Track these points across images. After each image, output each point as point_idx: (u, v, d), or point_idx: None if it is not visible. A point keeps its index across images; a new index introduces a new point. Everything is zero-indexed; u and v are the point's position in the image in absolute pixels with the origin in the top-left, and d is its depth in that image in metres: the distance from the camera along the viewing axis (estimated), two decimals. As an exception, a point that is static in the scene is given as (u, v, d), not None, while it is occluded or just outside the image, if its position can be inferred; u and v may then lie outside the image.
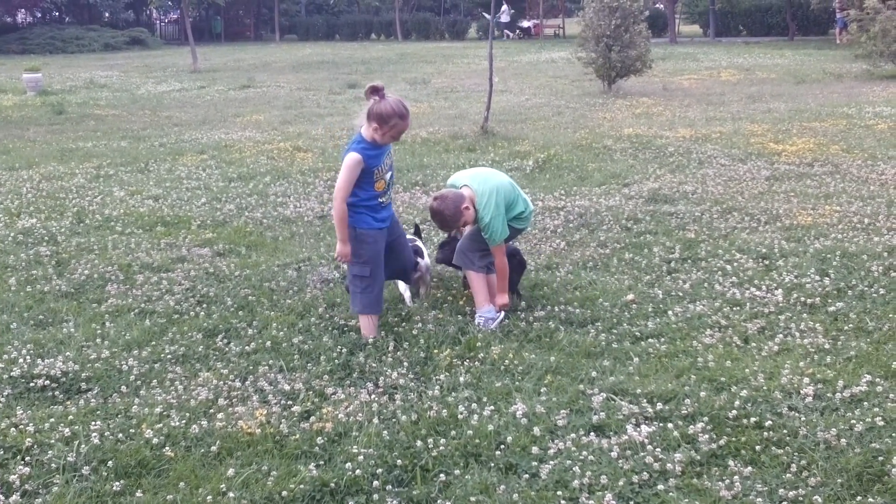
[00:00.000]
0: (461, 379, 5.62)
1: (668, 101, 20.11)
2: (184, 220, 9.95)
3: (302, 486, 4.44)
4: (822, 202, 10.08)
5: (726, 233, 8.92)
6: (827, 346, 6.00)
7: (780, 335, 6.24)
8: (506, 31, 56.35)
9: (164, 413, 5.27)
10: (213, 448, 4.85)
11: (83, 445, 4.84)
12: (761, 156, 13.03)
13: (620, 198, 10.61)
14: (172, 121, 19.47)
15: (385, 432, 4.95)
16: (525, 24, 60.18)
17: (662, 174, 11.99)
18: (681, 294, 7.16)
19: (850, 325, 6.36)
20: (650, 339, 6.24)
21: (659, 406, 5.13)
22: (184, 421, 5.14)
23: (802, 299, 6.89)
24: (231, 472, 4.59)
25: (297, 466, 4.65)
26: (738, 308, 6.80)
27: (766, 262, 7.89)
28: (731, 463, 4.53)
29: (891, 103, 17.96)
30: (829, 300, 6.89)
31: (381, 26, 63.68)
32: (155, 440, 4.92)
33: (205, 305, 7.13)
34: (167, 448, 4.85)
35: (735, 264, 7.80)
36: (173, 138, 16.60)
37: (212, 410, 5.30)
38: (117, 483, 4.50)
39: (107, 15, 68.09)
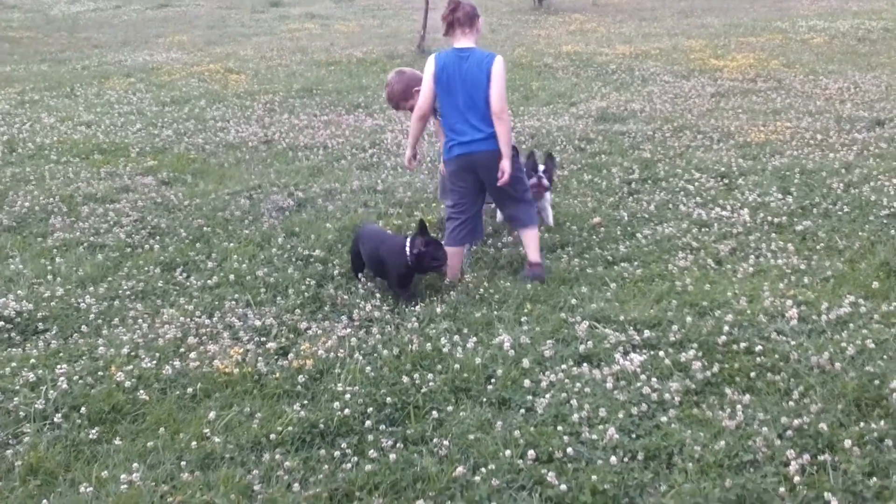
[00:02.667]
0: (437, 310, 5.44)
1: (600, 18, 19.90)
2: (121, 148, 9.54)
3: (290, 427, 4.24)
4: (772, 118, 10.03)
5: (681, 151, 8.82)
6: (802, 267, 5.94)
7: (753, 256, 6.16)
8: None
9: (132, 354, 5.01)
10: (190, 390, 4.62)
11: (51, 391, 4.57)
12: (703, 72, 12.94)
13: (569, 117, 10.44)
14: (91, 42, 18.72)
15: (368, 368, 4.77)
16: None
17: (608, 93, 11.84)
18: (646, 216, 7.05)
19: (821, 245, 6.30)
20: (623, 264, 6.12)
21: (646, 333, 5.01)
22: (154, 362, 4.90)
23: (769, 219, 6.83)
24: (212, 415, 4.38)
25: (281, 407, 4.46)
26: (707, 229, 6.71)
27: (727, 182, 7.81)
28: (727, 391, 4.44)
29: (822, 17, 17.99)
30: (795, 219, 6.83)
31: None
32: (127, 383, 4.67)
33: (158, 237, 6.83)
34: (141, 391, 4.61)
35: (696, 184, 7.70)
36: (95, 61, 15.94)
37: (182, 350, 5.06)
38: (93, 430, 4.27)
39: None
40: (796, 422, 4.12)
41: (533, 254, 5.96)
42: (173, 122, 10.67)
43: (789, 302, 5.34)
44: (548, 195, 6.85)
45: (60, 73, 14.72)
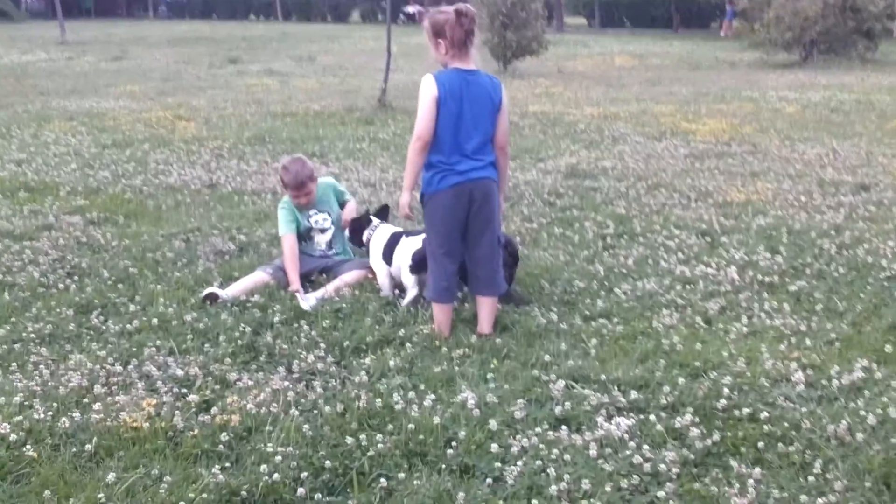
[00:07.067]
0: (391, 363, 4.70)
1: (566, 83, 19.50)
2: (50, 187, 8.78)
3: (204, 494, 3.47)
4: (751, 180, 9.47)
5: (657, 209, 8.20)
6: (802, 329, 5.27)
7: (745, 316, 5.50)
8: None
9: (26, 403, 4.22)
10: (88, 447, 3.83)
11: (-83, 445, 3.76)
12: (675, 134, 12.43)
13: (537, 172, 9.83)
14: (38, 89, 17.99)
15: (306, 426, 4.00)
16: (410, 9, 59.15)
17: (577, 150, 11.26)
18: (624, 271, 6.38)
19: (820, 306, 5.65)
20: (601, 319, 5.42)
21: (632, 395, 4.29)
22: (50, 413, 4.10)
23: (759, 277, 6.18)
24: (111, 476, 3.59)
25: (196, 470, 3.68)
26: (692, 286, 6.05)
27: (709, 239, 7.18)
28: (733, 463, 3.73)
29: (793, 88, 17.68)
30: (788, 279, 6.19)
31: (261, 6, 61.72)
32: (13, 437, 3.87)
33: (76, 278, 6.05)
34: (28, 447, 3.81)
35: (677, 240, 7.07)
36: (39, 105, 15.23)
37: (86, 400, 4.27)
38: (-40, 494, 3.47)
39: (-32, -14, 64.40)
40: (820, 501, 3.42)
41: (485, 324, 5.23)
42: (112, 164, 9.93)
43: (794, 365, 4.67)
44: None
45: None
